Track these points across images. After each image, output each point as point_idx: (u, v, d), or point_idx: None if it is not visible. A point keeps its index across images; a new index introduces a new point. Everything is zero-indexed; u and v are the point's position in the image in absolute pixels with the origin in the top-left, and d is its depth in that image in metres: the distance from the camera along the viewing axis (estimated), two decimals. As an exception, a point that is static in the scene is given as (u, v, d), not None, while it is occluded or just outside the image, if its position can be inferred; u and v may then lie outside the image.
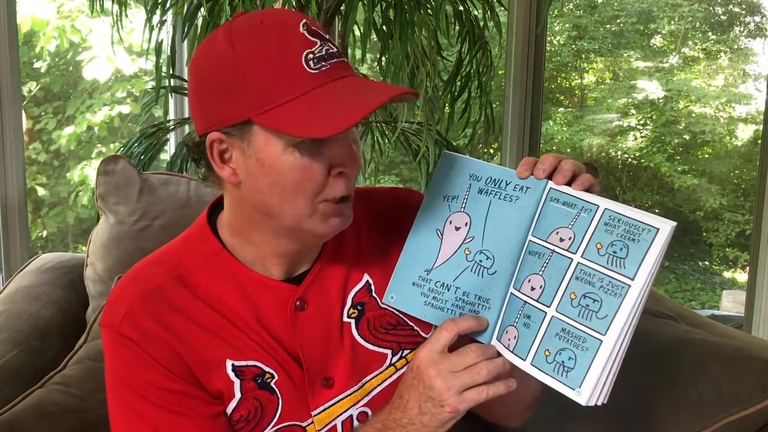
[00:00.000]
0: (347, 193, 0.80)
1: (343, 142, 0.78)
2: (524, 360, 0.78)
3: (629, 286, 0.74)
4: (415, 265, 0.87)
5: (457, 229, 0.86)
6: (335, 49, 0.77)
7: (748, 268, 3.32)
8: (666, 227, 0.73)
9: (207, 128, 0.79)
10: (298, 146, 0.76)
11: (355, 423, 0.88)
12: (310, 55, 0.75)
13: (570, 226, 0.79)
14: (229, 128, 0.77)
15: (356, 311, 0.90)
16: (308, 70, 0.74)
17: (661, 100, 6.09)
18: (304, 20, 0.77)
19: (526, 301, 0.80)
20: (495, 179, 0.85)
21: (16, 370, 1.19)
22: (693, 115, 6.11)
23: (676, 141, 6.15)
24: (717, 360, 1.10)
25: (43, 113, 3.78)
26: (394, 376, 0.90)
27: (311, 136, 0.73)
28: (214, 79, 0.77)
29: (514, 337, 0.79)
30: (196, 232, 0.89)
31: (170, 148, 2.36)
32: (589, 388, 0.74)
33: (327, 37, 0.77)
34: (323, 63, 0.75)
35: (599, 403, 0.75)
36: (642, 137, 6.25)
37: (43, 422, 1.04)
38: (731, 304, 5.44)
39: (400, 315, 0.91)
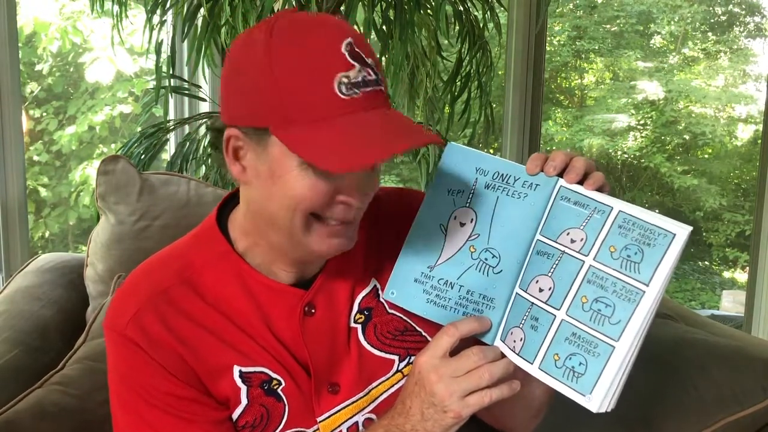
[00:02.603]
0: (346, 218, 0.78)
1: (358, 176, 0.76)
2: (531, 363, 0.76)
3: (644, 291, 0.72)
4: (417, 260, 0.84)
5: (462, 225, 0.83)
6: (373, 76, 0.74)
7: (748, 268, 3.32)
8: (683, 233, 0.71)
9: (229, 121, 0.78)
10: (312, 166, 0.73)
11: (361, 429, 0.87)
12: (344, 80, 0.71)
13: (582, 227, 0.76)
14: (248, 129, 0.76)
15: (363, 316, 0.88)
16: (338, 94, 0.71)
17: (661, 101, 6.09)
18: (350, 39, 0.73)
19: (533, 303, 0.77)
20: (503, 174, 0.82)
21: (16, 370, 1.18)
22: (693, 115, 6.11)
23: (676, 141, 6.16)
24: (717, 360, 1.10)
25: (44, 114, 3.78)
26: (401, 383, 0.88)
27: (319, 167, 0.72)
28: (245, 77, 0.74)
29: (521, 339, 0.77)
30: (205, 232, 0.88)
31: (170, 148, 2.36)
32: (600, 394, 0.72)
33: (369, 61, 0.74)
34: (355, 90, 0.72)
35: (608, 410, 0.73)
36: (642, 137, 6.25)
37: (42, 422, 1.04)
38: (731, 304, 5.44)
39: (408, 321, 0.90)
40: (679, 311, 1.31)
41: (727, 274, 6.19)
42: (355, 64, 0.72)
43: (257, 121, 0.74)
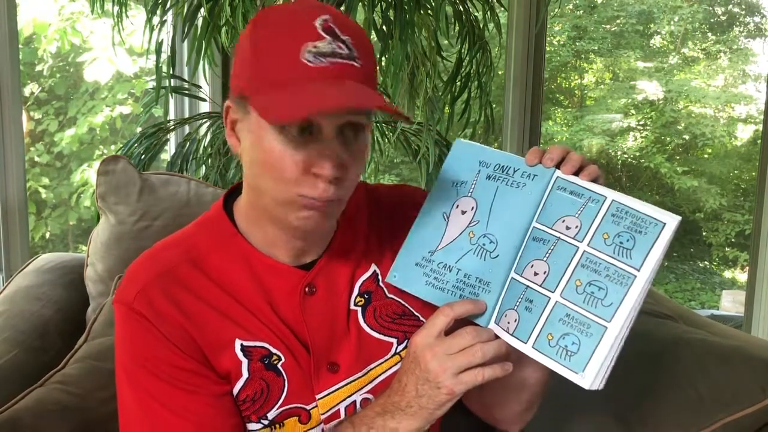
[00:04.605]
0: (323, 195, 0.78)
1: (329, 145, 0.76)
2: (525, 343, 0.79)
3: (635, 276, 0.75)
4: (419, 246, 0.88)
5: (464, 213, 0.87)
6: (346, 51, 0.75)
7: (748, 268, 3.32)
8: (673, 222, 0.75)
9: (230, 94, 0.82)
10: (283, 132, 0.76)
11: (358, 408, 0.89)
12: (311, 48, 0.74)
13: (577, 215, 0.80)
14: (238, 99, 0.80)
15: (363, 299, 0.91)
16: (303, 61, 0.74)
17: (661, 101, 6.10)
18: (327, 16, 0.76)
19: (528, 286, 0.80)
20: (503, 166, 0.86)
21: (16, 369, 1.19)
22: (693, 115, 6.12)
23: (676, 141, 6.16)
24: (717, 360, 1.10)
25: (44, 115, 3.78)
26: (399, 365, 0.90)
27: (266, 119, 0.74)
28: (238, 51, 0.80)
29: (515, 320, 0.80)
30: (212, 217, 0.91)
31: (170, 148, 2.36)
32: (593, 372, 0.75)
33: (344, 37, 0.76)
34: (321, 59, 0.74)
35: (599, 388, 0.76)
36: (642, 137, 6.25)
37: (43, 421, 1.04)
38: (731, 304, 5.44)
39: (406, 305, 0.93)
40: (679, 311, 1.31)
41: (727, 274, 6.19)
42: (326, 36, 0.75)
43: (242, 90, 0.79)
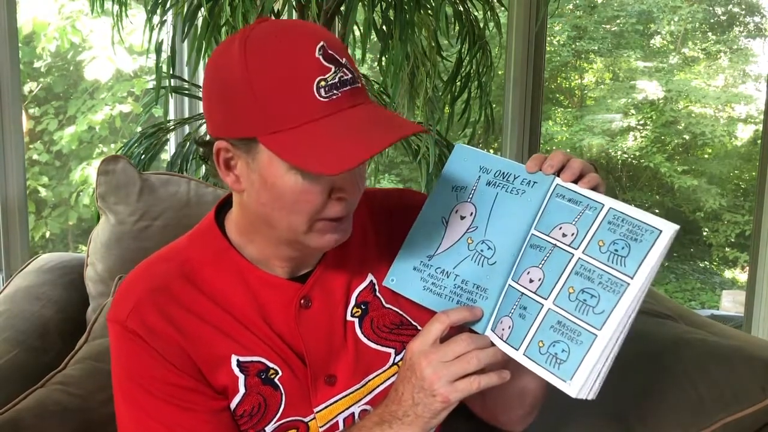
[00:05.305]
0: (345, 214, 0.81)
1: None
2: (517, 350, 0.78)
3: (628, 284, 0.74)
4: (418, 250, 0.88)
5: (462, 218, 0.87)
6: (349, 75, 0.76)
7: (748, 268, 3.32)
8: (669, 230, 0.74)
9: (216, 134, 0.80)
10: (301, 170, 0.76)
11: (356, 420, 0.89)
12: (322, 83, 0.74)
13: (573, 223, 0.79)
14: (236, 140, 0.78)
15: (360, 310, 0.91)
16: (318, 98, 0.74)
17: (661, 101, 6.10)
18: (322, 42, 0.75)
19: (523, 293, 0.80)
20: (504, 172, 0.86)
21: (16, 369, 1.19)
22: (693, 115, 6.11)
23: (676, 141, 6.16)
24: (717, 360, 1.10)
25: (44, 113, 3.78)
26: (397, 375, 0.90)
27: (309, 170, 0.74)
28: (226, 89, 0.77)
29: (509, 327, 0.80)
30: (204, 230, 0.90)
31: (170, 148, 2.36)
32: (580, 380, 0.74)
33: (343, 61, 0.76)
34: (334, 91, 0.74)
35: (589, 398, 0.75)
36: (642, 137, 6.25)
37: (44, 421, 1.05)
38: (731, 304, 5.44)
39: (404, 315, 0.92)
40: (679, 311, 1.32)
41: (727, 274, 6.19)
42: (331, 66, 0.75)
43: (244, 132, 0.76)
